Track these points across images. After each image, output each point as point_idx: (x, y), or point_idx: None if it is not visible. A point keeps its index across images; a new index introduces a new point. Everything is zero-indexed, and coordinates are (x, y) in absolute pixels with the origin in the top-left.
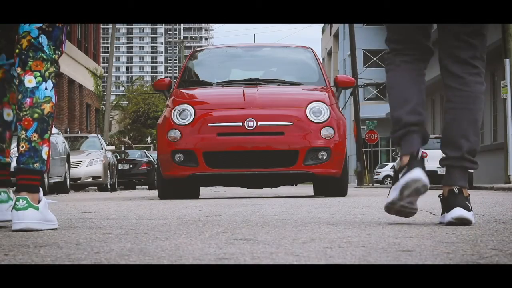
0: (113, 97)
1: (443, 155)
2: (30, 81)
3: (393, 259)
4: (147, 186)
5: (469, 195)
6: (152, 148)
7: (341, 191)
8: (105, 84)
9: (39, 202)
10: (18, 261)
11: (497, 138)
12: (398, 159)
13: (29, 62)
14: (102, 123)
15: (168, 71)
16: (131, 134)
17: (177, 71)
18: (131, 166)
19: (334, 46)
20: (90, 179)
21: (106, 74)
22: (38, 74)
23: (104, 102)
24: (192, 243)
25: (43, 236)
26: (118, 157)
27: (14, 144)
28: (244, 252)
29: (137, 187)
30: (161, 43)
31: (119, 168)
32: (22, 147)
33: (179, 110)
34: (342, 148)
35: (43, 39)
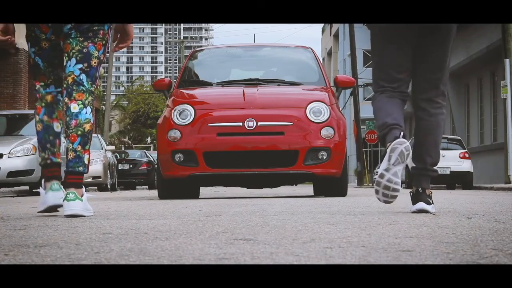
0: (113, 97)
1: (413, 165)
2: (74, 107)
3: (393, 259)
4: (147, 186)
5: (431, 192)
6: (152, 148)
7: (341, 191)
8: (105, 84)
9: (82, 195)
10: (18, 261)
11: (497, 138)
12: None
13: (74, 94)
14: (102, 123)
15: (168, 71)
16: (131, 134)
17: (177, 71)
18: (131, 166)
19: (334, 46)
20: (90, 179)
21: (106, 74)
22: (80, 102)
23: (104, 102)
24: (192, 243)
25: (43, 236)
26: (118, 157)
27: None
28: (244, 252)
29: (137, 187)
30: (161, 43)
31: (119, 168)
32: (70, 155)
33: (179, 110)
34: (342, 148)
35: (83, 77)
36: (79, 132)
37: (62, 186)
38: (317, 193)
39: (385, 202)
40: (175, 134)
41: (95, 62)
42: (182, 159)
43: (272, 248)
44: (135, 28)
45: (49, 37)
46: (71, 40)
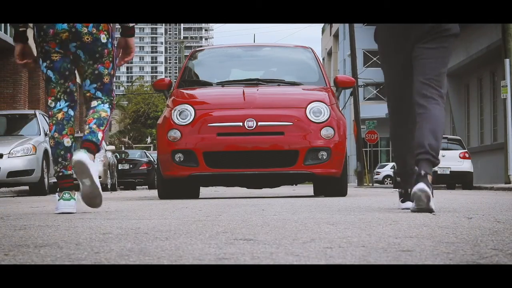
0: None
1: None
2: (94, 103)
3: (393, 259)
4: (147, 186)
5: (432, 182)
6: (152, 148)
7: (341, 191)
8: None
9: (93, 160)
10: (18, 261)
11: (497, 138)
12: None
13: (92, 99)
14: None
15: (168, 71)
16: (131, 134)
17: (177, 71)
18: (131, 166)
19: (334, 46)
20: None
21: None
22: (100, 101)
23: None
24: (192, 243)
25: (43, 236)
26: (118, 157)
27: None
28: (244, 252)
29: (137, 187)
30: (161, 43)
31: (119, 168)
32: (86, 131)
33: (179, 110)
34: (342, 148)
35: (98, 93)
36: (95, 116)
37: (73, 195)
38: (317, 193)
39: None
40: (175, 134)
41: (107, 79)
42: (182, 159)
43: (272, 248)
44: (135, 28)
45: (58, 50)
46: (82, 64)
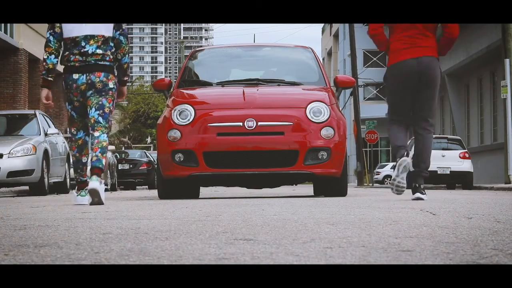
0: None
1: (413, 168)
2: (96, 133)
3: (393, 259)
4: (147, 186)
5: (424, 187)
6: (152, 148)
7: (341, 191)
8: None
9: (100, 183)
10: (18, 261)
11: (497, 138)
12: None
13: (95, 127)
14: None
15: (168, 71)
16: (131, 134)
17: (177, 71)
18: (131, 166)
19: (334, 46)
20: None
21: None
22: (100, 131)
23: None
24: (192, 243)
25: (43, 236)
26: (118, 157)
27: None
28: (244, 252)
29: (137, 187)
30: (161, 43)
31: (119, 168)
32: (93, 159)
33: (179, 110)
34: (342, 148)
35: (100, 119)
36: (99, 146)
37: (87, 193)
38: (317, 193)
39: (397, 194)
40: (175, 134)
41: (107, 110)
42: (182, 159)
43: (272, 248)
44: (135, 28)
45: (79, 99)
46: (91, 98)
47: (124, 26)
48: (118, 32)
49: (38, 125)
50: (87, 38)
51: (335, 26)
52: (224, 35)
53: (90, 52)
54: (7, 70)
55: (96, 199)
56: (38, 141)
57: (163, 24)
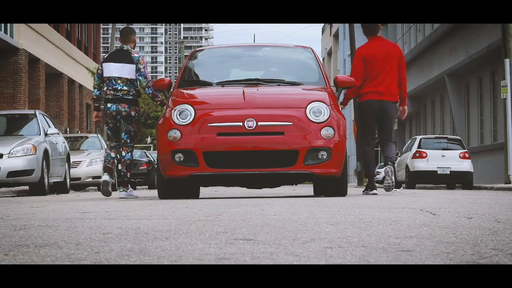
0: None
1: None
2: (124, 152)
3: (393, 259)
4: (147, 186)
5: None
6: (152, 148)
7: (341, 191)
8: None
9: (128, 189)
10: (18, 261)
11: (497, 138)
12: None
13: (123, 146)
14: (102, 123)
15: (168, 71)
16: None
17: (177, 71)
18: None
19: (334, 46)
20: (90, 179)
21: None
22: (127, 150)
23: None
24: (192, 243)
25: (43, 236)
26: (118, 157)
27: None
28: (244, 252)
29: (137, 187)
30: (161, 43)
31: (119, 168)
32: (122, 173)
33: (179, 110)
34: (342, 148)
35: (128, 140)
36: (125, 164)
37: (122, 188)
38: (317, 193)
39: (386, 191)
40: (175, 134)
41: (132, 133)
42: (182, 159)
43: (272, 248)
44: (135, 28)
45: (112, 121)
46: (123, 125)
47: (142, 68)
48: (138, 74)
49: (38, 125)
50: (116, 78)
51: (335, 26)
52: (224, 35)
53: (119, 88)
54: (7, 70)
55: (108, 196)
56: (38, 141)
57: (163, 24)
